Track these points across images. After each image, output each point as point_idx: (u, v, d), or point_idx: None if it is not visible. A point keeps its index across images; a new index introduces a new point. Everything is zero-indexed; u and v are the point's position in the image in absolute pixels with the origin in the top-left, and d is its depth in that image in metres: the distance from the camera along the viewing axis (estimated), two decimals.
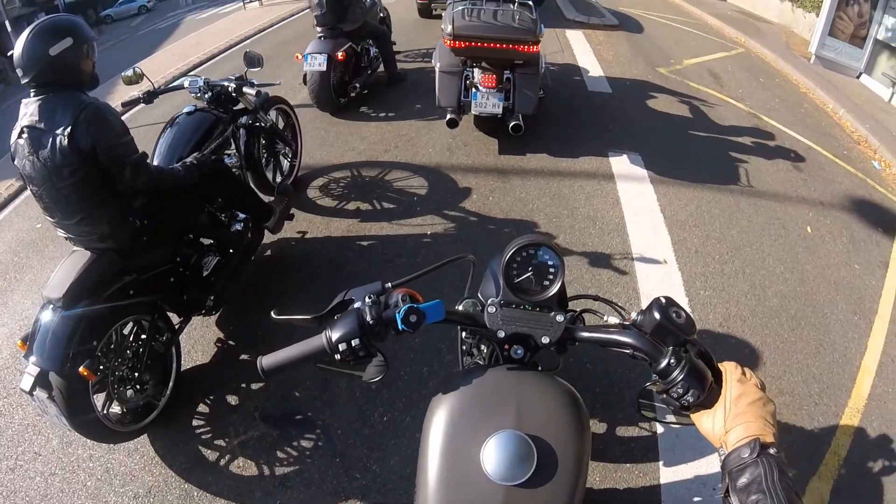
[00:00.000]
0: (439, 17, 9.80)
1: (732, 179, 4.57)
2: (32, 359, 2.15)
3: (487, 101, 4.29)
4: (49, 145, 2.18)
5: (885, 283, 3.63)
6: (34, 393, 2.13)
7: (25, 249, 4.78)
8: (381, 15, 6.68)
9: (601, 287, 3.17)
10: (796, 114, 6.77)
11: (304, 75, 5.36)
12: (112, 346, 2.39)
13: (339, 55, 5.27)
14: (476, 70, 4.39)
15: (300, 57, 5.33)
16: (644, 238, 3.67)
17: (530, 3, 4.40)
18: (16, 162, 2.34)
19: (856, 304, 3.36)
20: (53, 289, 2.27)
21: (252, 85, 3.44)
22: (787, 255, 3.71)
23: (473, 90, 4.36)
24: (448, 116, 4.34)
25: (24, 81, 2.24)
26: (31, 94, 2.25)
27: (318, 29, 5.52)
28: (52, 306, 2.26)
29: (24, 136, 2.23)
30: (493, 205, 3.89)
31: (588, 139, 4.92)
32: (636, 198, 4.09)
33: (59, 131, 2.16)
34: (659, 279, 3.31)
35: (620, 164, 4.55)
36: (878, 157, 6.05)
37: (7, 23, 7.82)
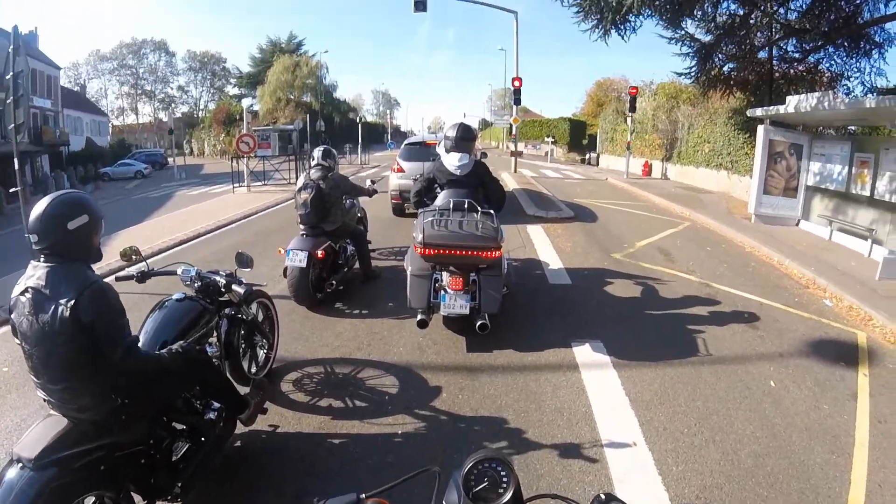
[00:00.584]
0: (413, 215, 10.64)
1: (692, 351, 4.83)
2: None
3: (455, 303, 4.65)
4: (51, 312, 2.29)
5: (857, 413, 3.78)
6: None
7: None
8: (359, 215, 7.32)
9: (572, 478, 3.20)
10: (745, 274, 7.31)
11: (285, 269, 5.73)
12: None
13: (319, 253, 5.72)
14: (444, 273, 4.77)
15: (283, 251, 5.74)
16: (612, 423, 3.76)
17: (492, 212, 4.86)
18: (13, 315, 2.43)
19: (831, 444, 3.46)
20: (25, 448, 2.28)
21: (241, 283, 3.65)
22: (754, 414, 3.84)
23: (442, 292, 4.72)
24: (419, 317, 4.64)
25: (36, 248, 2.40)
26: (41, 259, 2.40)
27: (301, 227, 6.00)
28: (20, 465, 2.25)
29: (28, 295, 2.35)
30: (463, 403, 3.99)
31: (551, 331, 5.19)
32: (601, 384, 4.25)
33: (62, 301, 2.28)
34: (630, 462, 3.37)
35: (583, 352, 4.77)
36: (828, 295, 6.45)
37: (16, 160, 8.20)
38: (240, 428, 3.41)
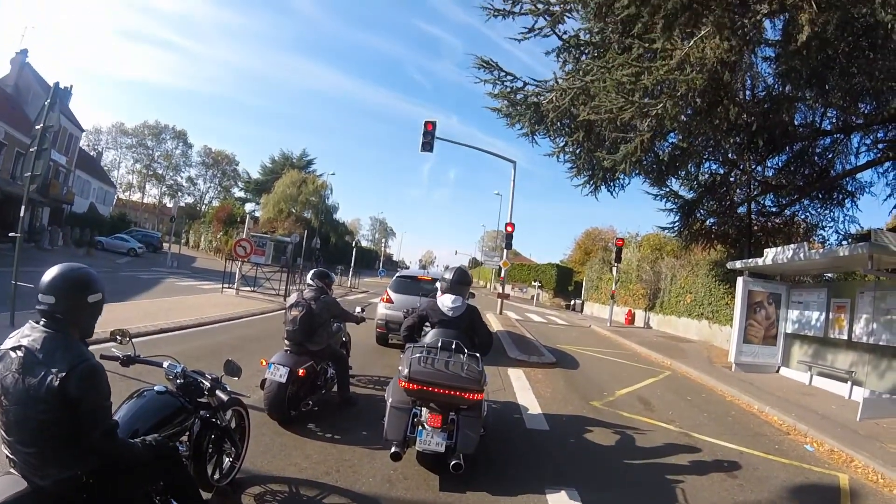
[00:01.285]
0: (395, 346, 10.89)
1: (670, 502, 4.75)
2: None
3: (432, 440, 4.63)
4: (39, 377, 2.32)
5: None
6: None
7: None
8: (344, 339, 7.35)
9: None
10: (724, 423, 7.29)
11: (263, 380, 5.70)
12: None
13: (301, 371, 5.74)
14: (424, 409, 4.77)
15: (265, 363, 5.75)
16: None
17: (477, 355, 4.98)
18: None
19: None
20: None
21: (225, 390, 3.67)
22: None
23: (420, 427, 4.71)
24: (393, 449, 4.57)
25: (46, 309, 2.45)
26: (41, 323, 2.45)
27: (286, 342, 6.04)
28: None
29: (20, 353, 2.38)
30: None
31: (526, 476, 5.10)
32: None
33: (54, 371, 2.32)
34: None
35: (557, 500, 4.65)
36: (809, 440, 6.41)
37: (23, 206, 8.21)
38: None
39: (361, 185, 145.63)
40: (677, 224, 16.86)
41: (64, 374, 2.33)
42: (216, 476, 4.03)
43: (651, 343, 16.12)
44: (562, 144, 13.53)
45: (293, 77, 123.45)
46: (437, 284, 6.18)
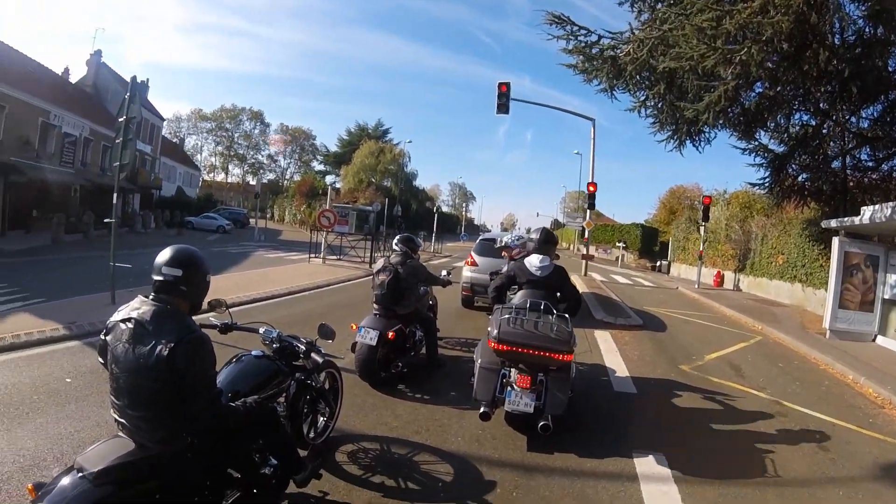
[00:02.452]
0: (480, 308, 11.01)
1: (758, 472, 4.58)
2: None
3: (520, 400, 4.63)
4: (149, 347, 2.46)
5: None
6: None
7: (47, 396, 5.09)
8: (431, 303, 7.45)
9: None
10: (817, 393, 6.99)
11: (354, 344, 5.89)
12: None
13: (390, 334, 5.86)
14: (513, 370, 4.78)
15: (355, 327, 5.91)
16: None
17: (567, 315, 4.91)
18: (108, 338, 2.60)
19: None
20: (89, 461, 2.39)
21: (319, 353, 3.81)
22: None
23: (508, 388, 4.73)
24: (482, 409, 4.64)
25: (168, 281, 2.63)
26: (151, 296, 2.60)
27: (375, 306, 6.18)
28: (80, 475, 2.35)
29: (130, 325, 2.52)
30: (516, 501, 3.88)
31: (614, 439, 5.04)
32: (660, 499, 4.04)
33: (163, 342, 2.45)
34: None
35: (645, 464, 4.58)
36: None
37: (115, 194, 8.87)
38: (291, 488, 3.45)
39: (438, 151, 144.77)
40: (767, 180, 15.90)
41: (173, 344, 2.45)
42: (311, 435, 4.22)
43: (741, 306, 15.41)
44: (642, 98, 12.98)
45: (361, 51, 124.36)
46: (503, 241, 6.33)
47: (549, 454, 4.62)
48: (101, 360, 2.74)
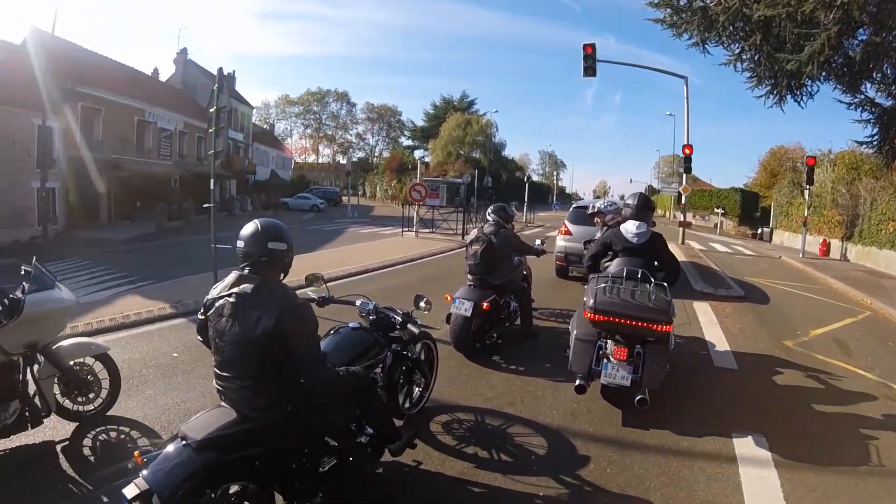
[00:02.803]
0: (575, 278, 10.81)
1: (862, 460, 4.24)
2: (145, 474, 2.34)
3: (617, 373, 4.51)
4: (255, 319, 2.55)
5: None
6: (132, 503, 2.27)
7: (156, 369, 5.47)
8: (525, 273, 7.37)
9: None
10: None
11: (448, 315, 5.94)
12: (216, 499, 2.53)
13: (484, 305, 5.85)
14: (609, 341, 4.65)
15: (449, 298, 5.96)
16: None
17: (665, 284, 4.73)
18: (210, 314, 2.71)
19: None
20: (193, 429, 2.52)
21: (416, 323, 3.85)
22: None
23: (605, 360, 4.60)
24: (577, 382, 4.54)
25: (274, 257, 2.72)
26: (247, 270, 2.69)
27: (469, 277, 6.18)
28: (184, 442, 2.48)
29: (231, 299, 2.61)
30: (610, 478, 3.80)
31: (712, 417, 4.81)
32: (758, 484, 3.83)
33: (268, 313, 2.53)
34: None
35: (744, 445, 4.35)
36: None
37: (212, 180, 9.43)
38: (385, 456, 3.52)
39: (525, 119, 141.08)
40: (875, 138, 14.40)
41: (278, 313, 2.54)
42: (406, 405, 4.31)
43: (848, 278, 14.26)
44: (737, 51, 12.12)
45: (439, 23, 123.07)
46: (594, 208, 6.21)
47: (644, 430, 4.49)
48: (199, 337, 2.89)
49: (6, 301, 3.86)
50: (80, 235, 20.99)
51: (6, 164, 19.89)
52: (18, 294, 3.88)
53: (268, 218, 2.91)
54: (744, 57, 12.18)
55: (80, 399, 4.30)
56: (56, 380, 4.13)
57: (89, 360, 4.40)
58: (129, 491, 2.30)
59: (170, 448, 2.50)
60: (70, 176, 22.99)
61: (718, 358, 6.60)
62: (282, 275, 2.84)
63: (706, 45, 12.04)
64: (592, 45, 18.79)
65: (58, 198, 22.45)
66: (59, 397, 4.19)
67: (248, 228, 2.75)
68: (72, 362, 4.23)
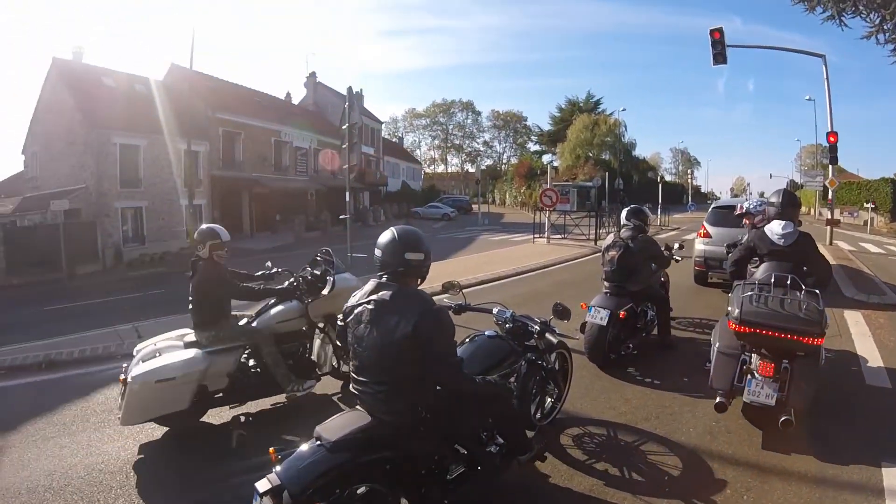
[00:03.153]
0: (715, 284, 10.47)
1: None
2: (278, 470, 2.51)
3: (761, 391, 4.22)
4: (393, 325, 2.67)
5: None
6: (263, 497, 2.44)
7: None
8: (662, 279, 7.16)
9: None
10: None
11: (583, 324, 5.87)
12: (344, 498, 2.63)
13: (621, 313, 5.74)
14: (755, 356, 4.40)
15: (585, 306, 5.89)
16: None
17: (817, 291, 4.37)
18: (348, 321, 2.89)
19: None
20: (328, 430, 2.68)
21: (554, 332, 3.90)
22: None
23: (749, 376, 4.33)
24: (717, 399, 4.31)
25: (413, 267, 2.85)
26: (385, 278, 2.85)
27: (605, 284, 6.10)
28: (318, 442, 2.64)
29: (370, 306, 2.78)
30: None
31: (860, 443, 4.39)
32: None
33: (407, 318, 2.67)
34: None
35: (894, 476, 3.93)
36: None
37: (347, 192, 10.14)
38: (514, 467, 3.56)
39: (655, 116, 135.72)
40: None
41: (417, 318, 2.68)
42: (538, 415, 4.35)
43: None
44: (877, 21, 10.90)
45: (558, 22, 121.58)
46: (739, 208, 5.90)
47: (786, 455, 4.22)
48: (338, 342, 3.14)
49: (328, 278, 5.29)
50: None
51: (156, 185, 23.77)
52: (328, 273, 5.35)
53: (405, 226, 3.06)
54: (885, 27, 10.95)
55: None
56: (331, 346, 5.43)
57: None
58: (262, 485, 2.47)
59: (304, 447, 2.68)
60: (215, 193, 25.87)
61: (871, 375, 6.07)
62: (419, 281, 2.98)
63: (843, 18, 10.97)
64: (720, 30, 17.73)
65: (204, 213, 25.51)
66: (333, 361, 5.52)
67: (385, 237, 2.89)
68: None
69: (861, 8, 10.78)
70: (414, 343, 2.68)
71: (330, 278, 5.27)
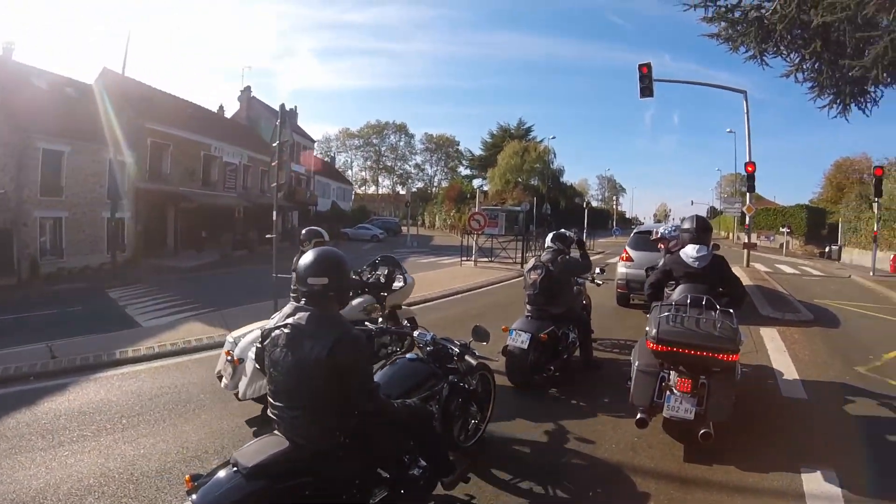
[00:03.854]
0: (638, 306, 10.66)
1: None
2: (195, 498, 2.39)
3: (680, 406, 4.31)
4: (308, 349, 2.60)
5: None
6: None
7: (213, 394, 5.63)
8: (584, 302, 7.28)
9: None
10: None
11: (505, 347, 5.83)
12: None
13: (542, 336, 5.75)
14: (673, 373, 4.48)
15: (506, 329, 5.88)
16: None
17: (731, 311, 4.50)
18: (265, 344, 2.78)
19: None
20: (245, 456, 2.56)
21: (473, 355, 3.86)
22: None
23: (668, 392, 4.42)
24: (638, 416, 4.37)
25: (316, 290, 2.72)
26: (303, 301, 2.75)
27: (528, 307, 6.12)
28: (234, 469, 2.50)
29: (286, 330, 2.68)
30: None
31: (779, 452, 4.55)
32: None
33: (322, 343, 2.58)
34: None
35: (812, 481, 4.09)
36: None
37: (274, 212, 9.79)
38: (438, 490, 3.49)
39: (583, 144, 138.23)
40: None
41: (331, 344, 2.58)
42: (462, 437, 4.27)
43: None
44: (797, 60, 11.63)
45: (494, 52, 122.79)
46: (659, 233, 6.08)
47: (707, 466, 4.30)
48: (257, 365, 2.97)
49: (404, 276, 7.02)
50: (147, 263, 22.19)
51: (79, 195, 21.88)
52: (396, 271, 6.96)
53: (323, 248, 2.95)
54: (804, 66, 11.69)
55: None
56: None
57: (406, 322, 7.07)
58: None
59: (221, 474, 2.54)
60: (139, 207, 24.50)
61: (787, 387, 6.31)
62: (337, 306, 2.87)
63: (764, 57, 11.62)
64: (648, 65, 18.48)
65: (127, 227, 23.99)
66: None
67: (310, 259, 2.80)
68: (403, 320, 6.98)
69: (782, 48, 11.44)
70: (329, 368, 2.60)
71: (401, 275, 6.97)
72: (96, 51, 72.55)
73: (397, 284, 6.86)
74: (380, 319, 4.98)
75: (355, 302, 6.31)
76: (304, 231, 6.12)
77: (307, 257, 2.81)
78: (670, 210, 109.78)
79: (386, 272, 6.87)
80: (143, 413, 5.29)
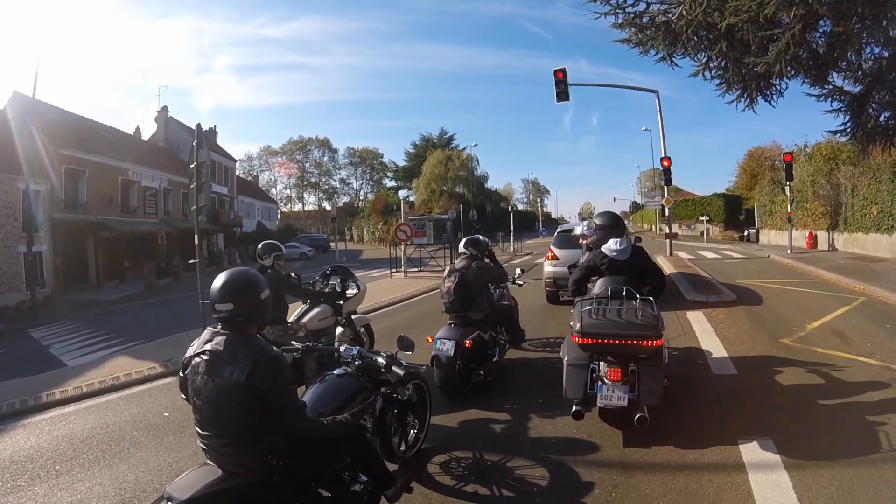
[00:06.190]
0: (567, 302, 10.61)
1: (873, 448, 4.16)
2: None
3: (613, 394, 4.41)
4: (227, 375, 2.51)
5: None
6: None
7: (147, 430, 5.41)
8: (508, 303, 7.24)
9: None
10: None
11: (433, 357, 5.75)
12: None
13: (467, 342, 5.69)
14: (602, 363, 4.55)
15: (431, 340, 5.81)
16: None
17: (651, 299, 4.65)
18: (186, 373, 2.67)
19: None
20: (178, 489, 2.48)
21: (400, 365, 3.78)
22: None
23: (599, 383, 4.50)
24: (574, 409, 4.43)
25: (224, 315, 2.63)
26: (219, 326, 2.65)
27: (449, 316, 6.08)
28: (169, 503, 2.42)
29: (205, 357, 2.57)
30: (617, 501, 3.69)
31: (716, 427, 4.69)
32: (769, 488, 3.71)
33: (240, 367, 2.50)
34: None
35: (750, 451, 4.23)
36: None
37: (196, 236, 9.37)
38: (382, 502, 3.42)
39: (506, 150, 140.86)
40: (848, 125, 14.53)
41: (250, 367, 2.50)
42: (402, 448, 4.21)
43: (839, 267, 14.39)
44: (704, 60, 12.24)
45: (414, 63, 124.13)
46: (581, 229, 6.00)
47: (647, 448, 4.37)
48: (182, 395, 2.82)
49: (357, 284, 7.35)
50: (69, 298, 20.92)
51: None
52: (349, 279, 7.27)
53: (234, 270, 2.84)
54: (711, 65, 12.30)
55: None
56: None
57: (361, 328, 7.33)
58: None
59: None
60: (57, 239, 22.91)
61: (717, 365, 6.51)
62: (252, 327, 2.77)
63: (673, 58, 12.16)
64: (563, 71, 19.14)
65: (45, 261, 22.37)
66: None
67: (218, 283, 2.72)
68: (359, 326, 7.23)
69: (689, 49, 11.95)
70: (250, 393, 2.52)
71: (354, 283, 7.29)
72: (4, 73, 68.26)
73: (351, 292, 7.16)
74: (339, 329, 4.76)
75: (314, 312, 6.60)
76: (259, 245, 6.20)
77: (217, 281, 2.71)
78: (594, 208, 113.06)
79: (339, 281, 7.17)
80: (77, 457, 4.98)
